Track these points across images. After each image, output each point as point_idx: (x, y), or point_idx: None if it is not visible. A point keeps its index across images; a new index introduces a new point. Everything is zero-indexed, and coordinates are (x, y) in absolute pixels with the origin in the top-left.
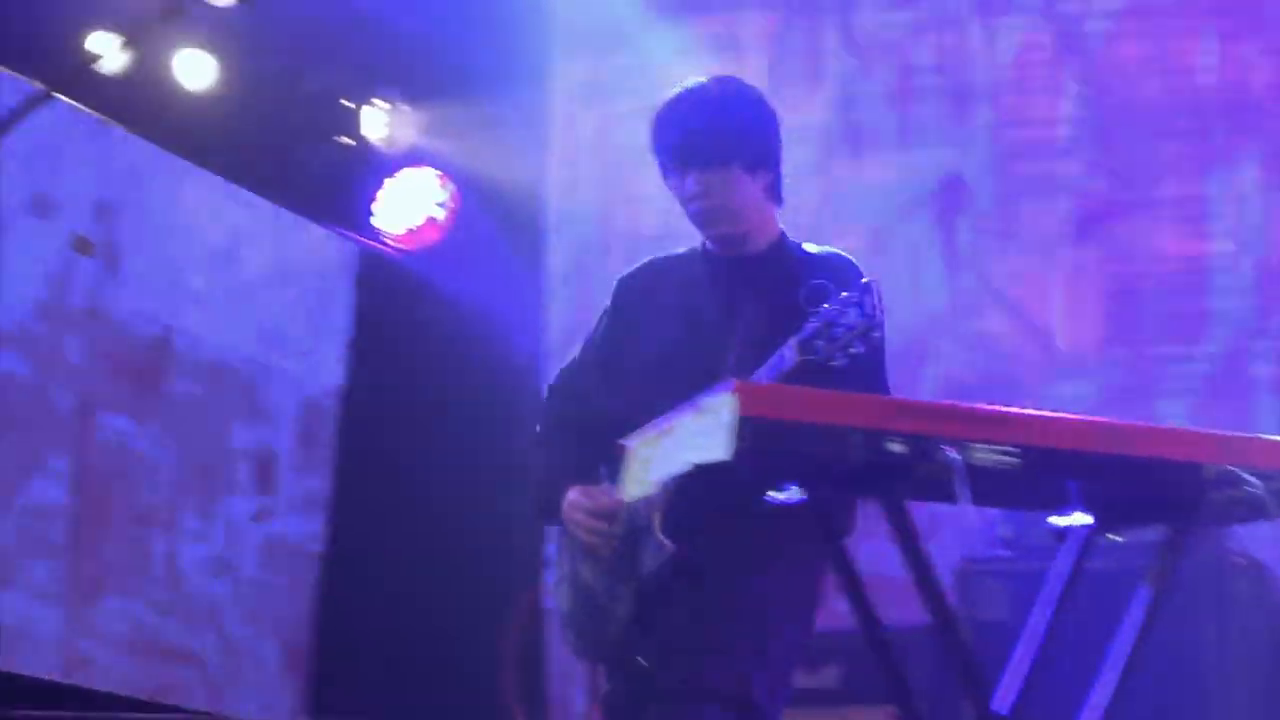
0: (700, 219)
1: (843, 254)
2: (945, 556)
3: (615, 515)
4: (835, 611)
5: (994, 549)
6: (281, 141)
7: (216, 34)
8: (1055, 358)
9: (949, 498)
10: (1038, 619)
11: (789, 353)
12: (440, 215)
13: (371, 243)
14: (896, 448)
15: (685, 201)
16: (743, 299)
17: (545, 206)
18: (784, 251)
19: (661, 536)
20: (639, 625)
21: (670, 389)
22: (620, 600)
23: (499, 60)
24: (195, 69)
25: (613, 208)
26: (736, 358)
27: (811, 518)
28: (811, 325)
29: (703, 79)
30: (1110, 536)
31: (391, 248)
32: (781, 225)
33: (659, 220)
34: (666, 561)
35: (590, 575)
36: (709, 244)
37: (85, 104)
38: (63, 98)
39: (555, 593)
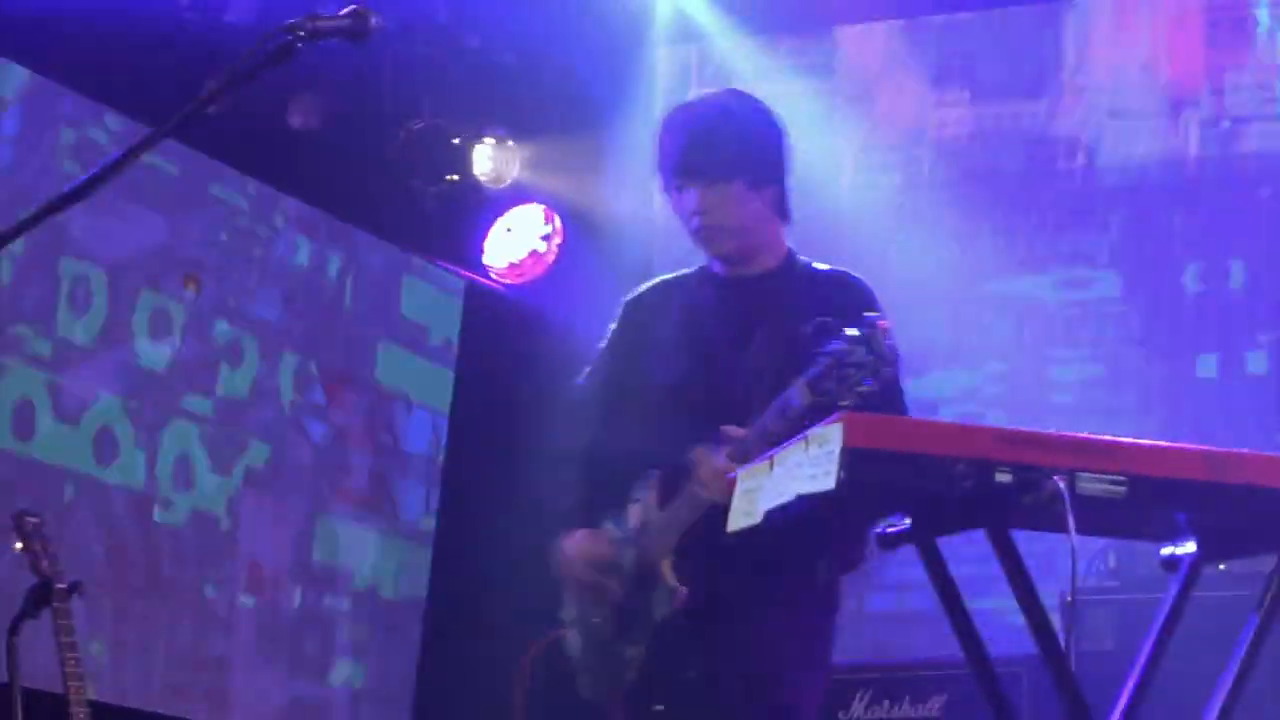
0: (701, 237)
1: (853, 274)
2: (1052, 587)
3: (614, 565)
4: (940, 641)
5: (1100, 579)
6: (391, 179)
7: (326, 73)
8: None
9: (1055, 527)
10: (1146, 649)
11: (798, 395)
12: (545, 249)
13: (479, 277)
14: (1003, 478)
15: (685, 219)
16: (751, 323)
17: (650, 240)
18: (793, 271)
19: (673, 582)
20: (653, 673)
21: (679, 420)
22: (633, 646)
23: (605, 95)
24: (305, 109)
25: None
26: (744, 388)
27: (835, 555)
28: (820, 365)
29: (708, 92)
30: (1218, 565)
31: (497, 282)
32: (790, 243)
33: None
34: (679, 608)
35: (600, 620)
36: (714, 264)
37: (196, 145)
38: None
39: (567, 636)
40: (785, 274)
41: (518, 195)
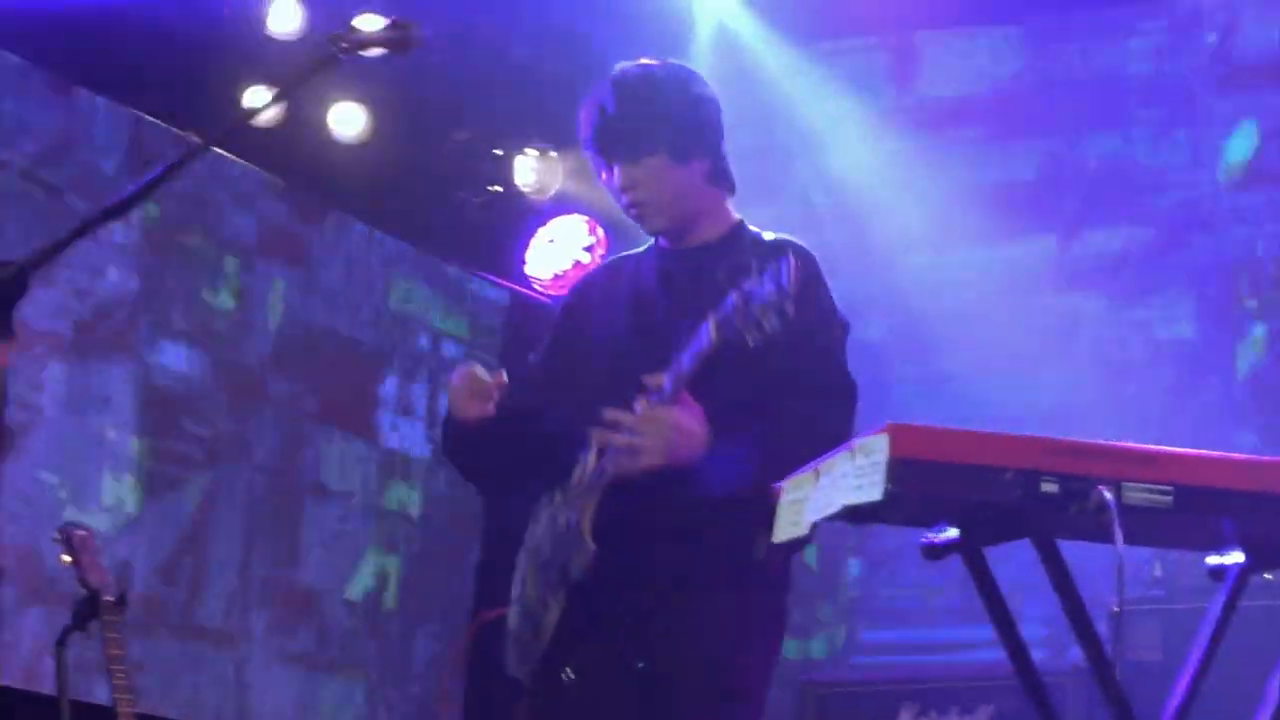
0: (633, 214)
1: (796, 242)
2: (1098, 597)
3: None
4: (987, 651)
5: (1146, 589)
6: (434, 190)
7: (369, 85)
8: None
9: (1102, 537)
10: (1192, 659)
11: (706, 332)
12: (589, 260)
13: (522, 288)
14: (1049, 488)
15: (616, 198)
16: (690, 293)
17: None
18: (736, 241)
19: (587, 539)
20: (565, 636)
21: (618, 389)
22: (550, 609)
23: None
24: (348, 120)
25: None
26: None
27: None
28: (730, 301)
29: (627, 65)
30: (1265, 575)
31: (541, 293)
32: (738, 215)
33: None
34: (589, 568)
35: (529, 591)
36: (661, 239)
37: (241, 156)
38: (219, 150)
39: (509, 614)
40: (727, 244)
41: (561, 206)
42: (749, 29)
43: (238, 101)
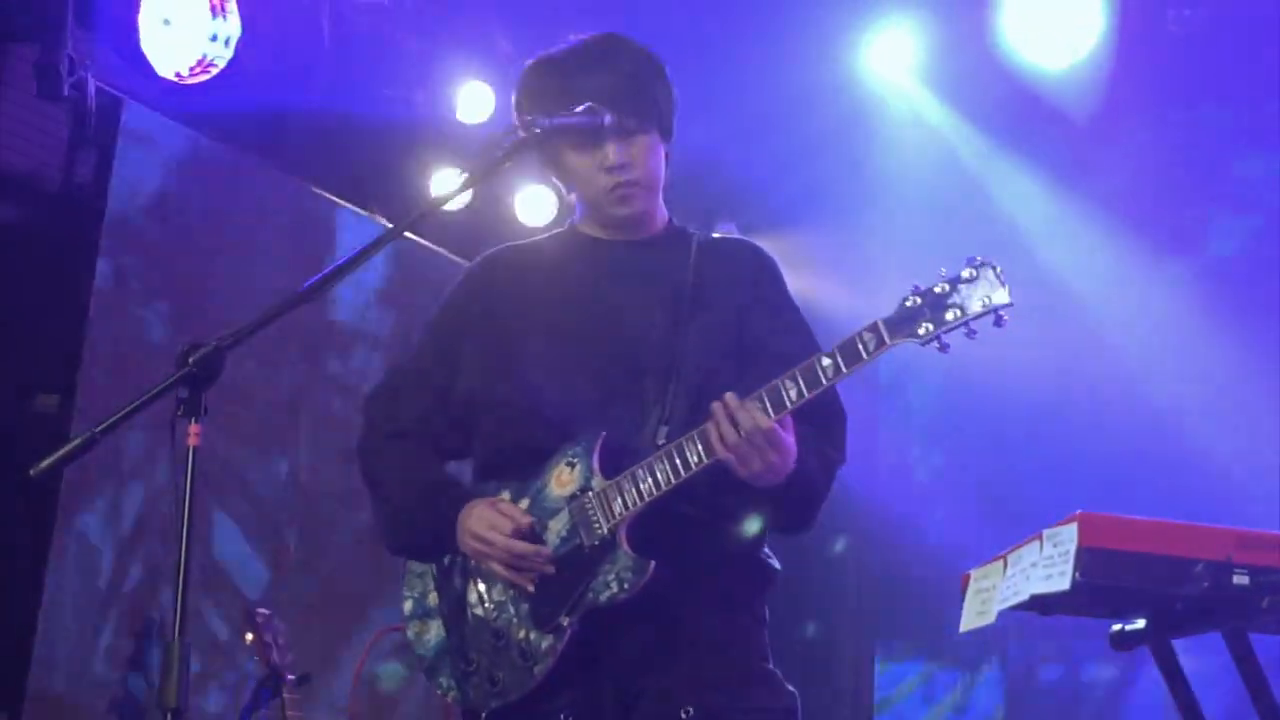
0: (620, 197)
1: (754, 241)
2: None
3: (538, 535)
4: None
5: None
6: None
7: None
8: None
9: None
10: None
11: (872, 337)
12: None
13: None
14: (1241, 580)
15: (588, 178)
16: (662, 287)
17: None
18: (683, 238)
19: (631, 552)
20: (577, 665)
21: (575, 379)
22: (550, 636)
23: (835, 188)
24: (535, 205)
25: None
26: (670, 356)
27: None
28: (907, 306)
29: (589, 36)
30: None
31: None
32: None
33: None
34: (640, 584)
35: (491, 608)
36: (604, 226)
37: (431, 240)
38: (410, 235)
39: (415, 633)
40: (672, 240)
41: None
42: (937, 114)
43: (427, 187)
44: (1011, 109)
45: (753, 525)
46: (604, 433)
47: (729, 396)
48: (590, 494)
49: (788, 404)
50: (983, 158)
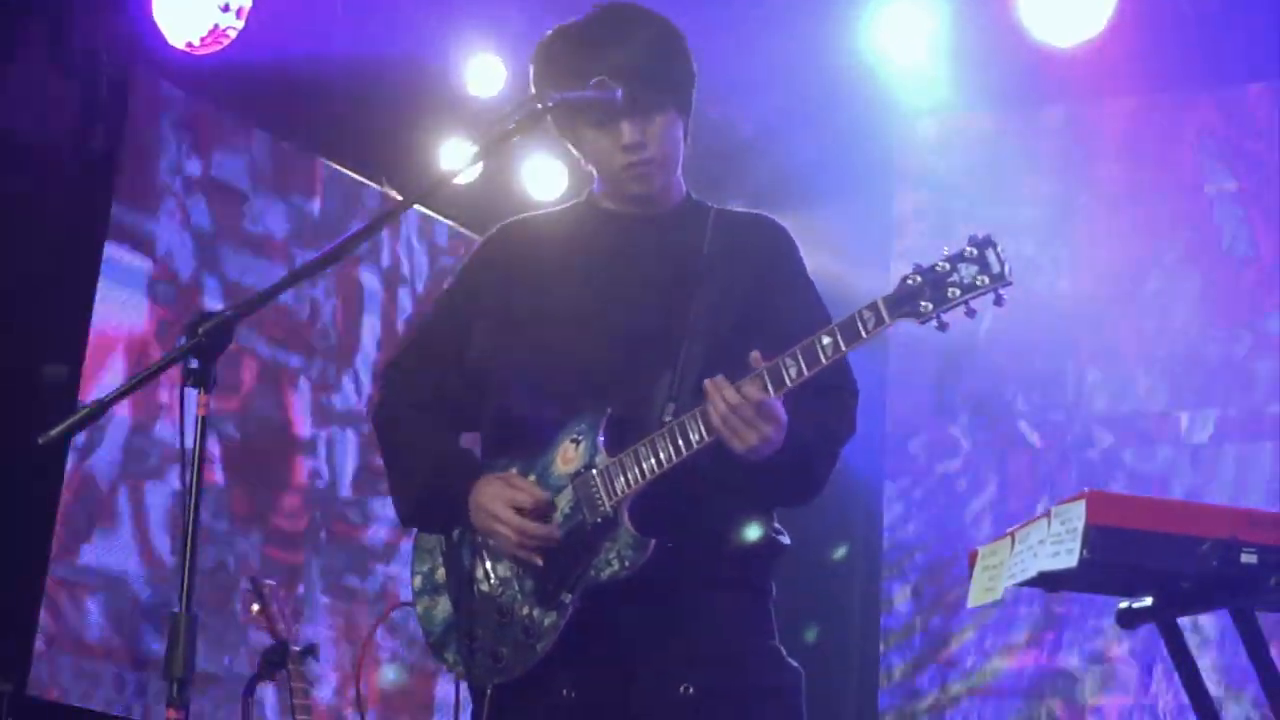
0: (634, 176)
1: (769, 215)
2: None
3: (548, 511)
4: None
5: None
6: None
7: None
8: None
9: None
10: None
11: (871, 315)
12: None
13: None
14: (1249, 559)
15: (605, 158)
16: (676, 262)
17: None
18: (700, 212)
19: (633, 530)
20: (575, 647)
21: (584, 354)
22: (554, 613)
23: (844, 169)
24: (544, 177)
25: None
26: (681, 332)
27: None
28: (907, 283)
29: (599, 7)
30: None
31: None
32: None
33: (994, 325)
34: (640, 562)
35: (496, 584)
36: (620, 201)
37: (439, 211)
38: (420, 207)
39: (423, 609)
40: (694, 213)
41: None
42: (948, 91)
43: (437, 159)
44: (1023, 86)
45: (757, 502)
46: (610, 409)
47: (715, 378)
48: (594, 471)
49: (788, 382)
50: (992, 136)
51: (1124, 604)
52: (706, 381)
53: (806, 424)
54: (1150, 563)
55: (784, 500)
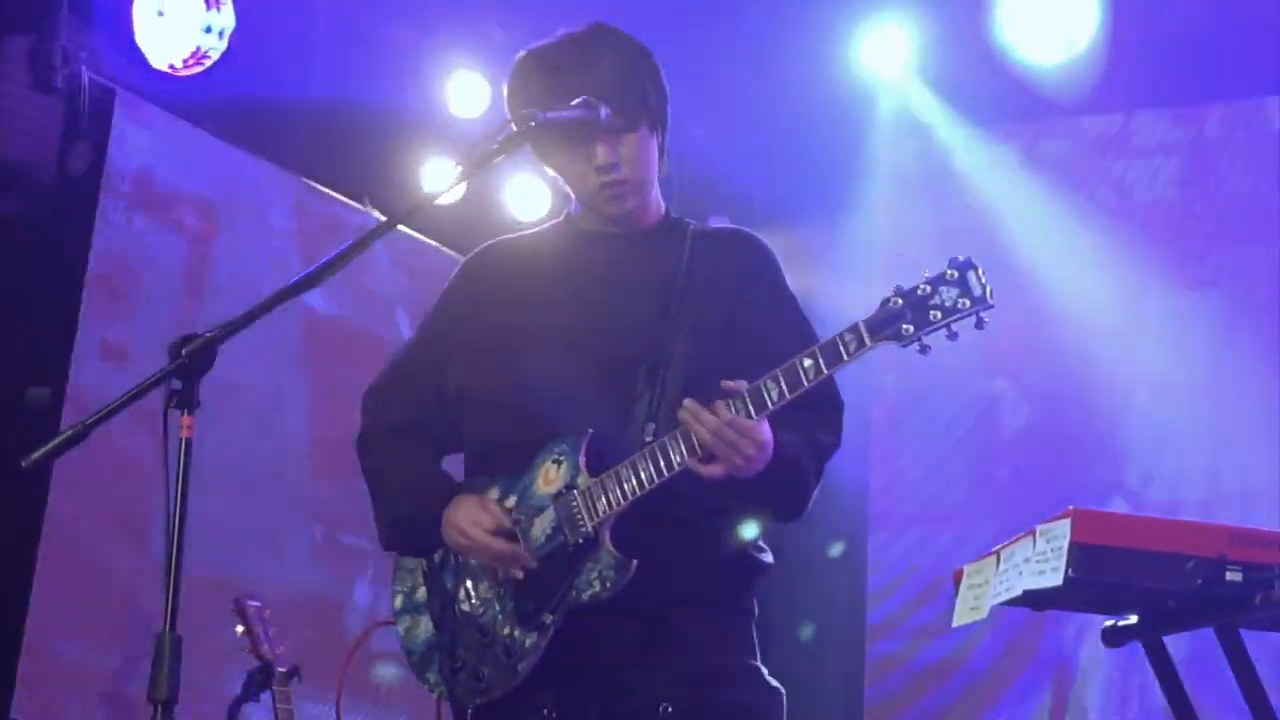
0: (609, 197)
1: (748, 230)
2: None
3: (520, 533)
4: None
5: None
6: None
7: None
8: None
9: None
10: None
11: (853, 338)
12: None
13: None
14: (1234, 576)
15: (579, 178)
16: (655, 281)
17: None
18: (679, 229)
19: (614, 551)
20: (556, 667)
21: (565, 375)
22: (534, 633)
23: (828, 185)
24: (527, 197)
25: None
26: (660, 351)
27: None
28: (888, 307)
29: (574, 29)
30: None
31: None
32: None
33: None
34: (622, 583)
35: (477, 604)
36: (598, 221)
37: (422, 232)
38: (403, 227)
39: (405, 628)
40: (673, 230)
41: None
42: (931, 111)
43: (419, 179)
44: (1006, 104)
45: (741, 521)
46: (590, 430)
47: (688, 402)
48: (575, 492)
49: (769, 404)
50: (975, 154)
51: (1109, 622)
52: (683, 406)
53: (794, 439)
54: (1135, 581)
55: (773, 516)
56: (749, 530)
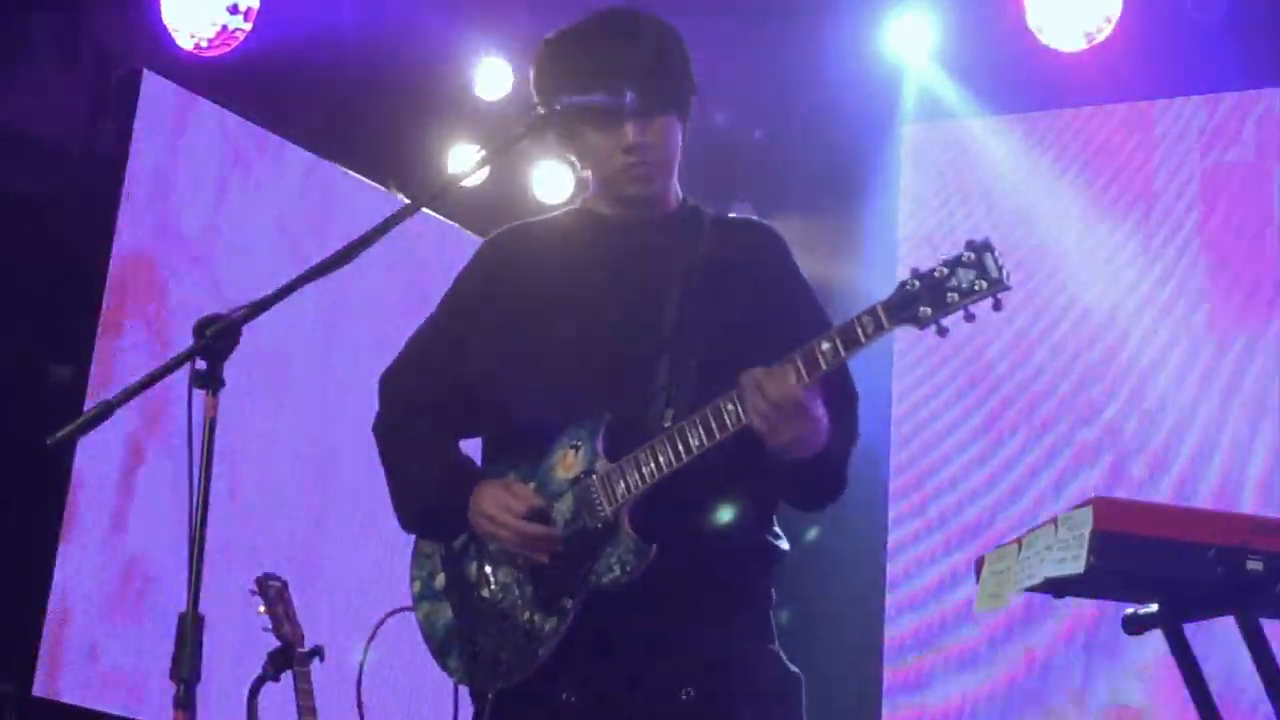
0: (634, 177)
1: (762, 220)
2: None
3: (549, 516)
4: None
5: None
6: None
7: None
8: None
9: None
10: None
11: (870, 320)
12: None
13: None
14: (1255, 566)
15: (603, 160)
16: (674, 268)
17: None
18: (697, 216)
19: (634, 535)
20: (575, 651)
21: (583, 360)
22: (554, 618)
23: (852, 173)
24: (552, 181)
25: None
26: (673, 336)
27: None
28: (905, 289)
29: (603, 11)
30: None
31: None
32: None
33: (1004, 329)
34: (641, 568)
35: (497, 590)
36: (617, 205)
37: (447, 215)
38: (428, 210)
39: (424, 614)
40: (692, 217)
41: None
42: (955, 98)
43: (444, 162)
44: (1030, 91)
45: (763, 506)
46: (608, 415)
47: (756, 370)
48: (594, 476)
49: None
50: (998, 141)
51: (1130, 610)
52: (742, 375)
53: (838, 430)
54: (1156, 569)
55: (810, 504)
56: (766, 517)
